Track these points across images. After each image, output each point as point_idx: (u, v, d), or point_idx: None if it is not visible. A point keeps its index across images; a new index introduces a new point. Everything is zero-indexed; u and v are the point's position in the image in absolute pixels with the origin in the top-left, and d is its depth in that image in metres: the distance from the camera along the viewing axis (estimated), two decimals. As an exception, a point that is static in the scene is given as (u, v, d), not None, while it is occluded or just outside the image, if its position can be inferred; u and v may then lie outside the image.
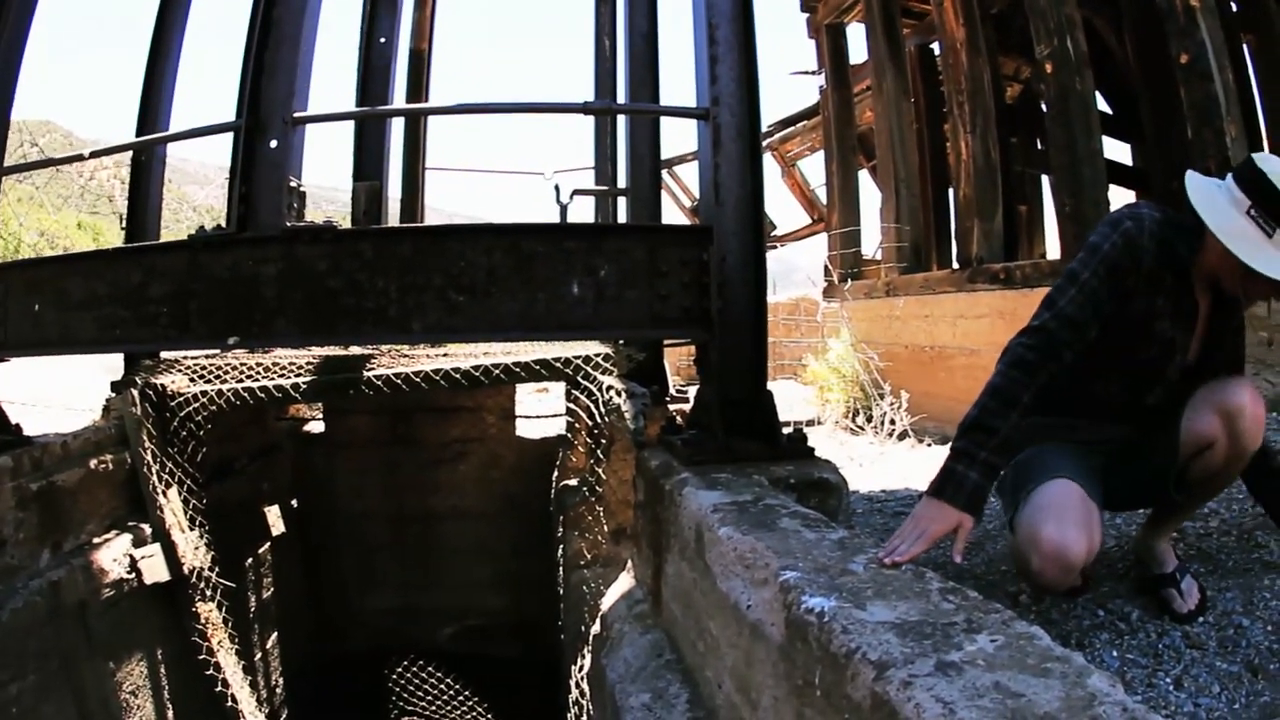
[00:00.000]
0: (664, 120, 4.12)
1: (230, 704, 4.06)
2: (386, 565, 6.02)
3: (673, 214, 16.30)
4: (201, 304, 2.82)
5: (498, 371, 4.35)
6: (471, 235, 2.77)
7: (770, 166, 15.30)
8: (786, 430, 2.79)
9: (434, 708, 5.69)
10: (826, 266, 10.92)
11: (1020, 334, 2.32)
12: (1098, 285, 2.31)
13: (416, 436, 5.94)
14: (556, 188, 5.31)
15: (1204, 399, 2.42)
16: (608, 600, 3.06)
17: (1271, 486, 2.65)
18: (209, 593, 4.03)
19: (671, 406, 3.77)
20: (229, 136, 2.93)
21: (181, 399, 4.10)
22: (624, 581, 3.10)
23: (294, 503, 5.82)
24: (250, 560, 5.07)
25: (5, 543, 3.20)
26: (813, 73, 11.87)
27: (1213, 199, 2.25)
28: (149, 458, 3.93)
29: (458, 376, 4.34)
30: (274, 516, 5.47)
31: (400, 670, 5.79)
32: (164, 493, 3.96)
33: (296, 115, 2.89)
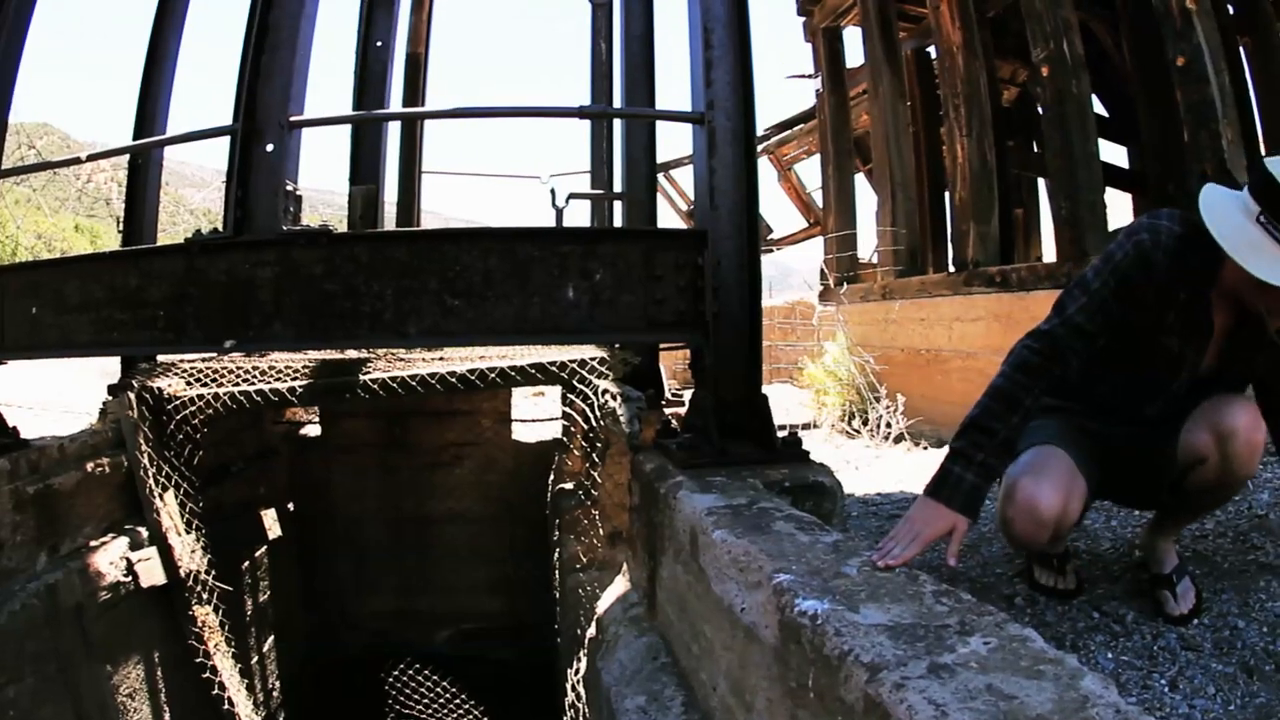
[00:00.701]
0: (660, 124, 4.12)
1: (227, 707, 4.05)
2: (383, 568, 6.01)
3: (669, 217, 16.29)
4: (198, 307, 2.83)
5: (494, 375, 4.34)
6: (467, 239, 2.78)
7: (766, 170, 15.31)
8: (781, 434, 2.79)
9: (430, 711, 5.68)
10: (823, 270, 10.92)
11: (1027, 336, 2.32)
12: (1108, 295, 2.30)
13: (413, 440, 5.94)
14: (552, 191, 5.31)
15: (1203, 415, 2.40)
16: (603, 603, 3.06)
17: None
18: (206, 596, 4.02)
19: (667, 410, 3.78)
20: (227, 140, 2.93)
21: (178, 402, 4.09)
22: (619, 584, 3.11)
23: (290, 506, 5.81)
24: (247, 563, 5.06)
25: (2, 546, 3.19)
26: (809, 76, 11.86)
27: (1225, 209, 2.16)
28: (146, 461, 3.92)
29: (454, 380, 4.34)
30: (270, 520, 5.46)
31: (397, 673, 5.78)
32: (161, 496, 3.95)
33: (293, 119, 2.90)
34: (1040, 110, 7.27)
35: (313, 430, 6.07)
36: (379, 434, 5.95)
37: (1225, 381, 2.48)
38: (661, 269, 2.76)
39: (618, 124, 5.00)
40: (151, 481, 3.93)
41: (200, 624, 4.00)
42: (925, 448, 7.07)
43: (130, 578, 3.78)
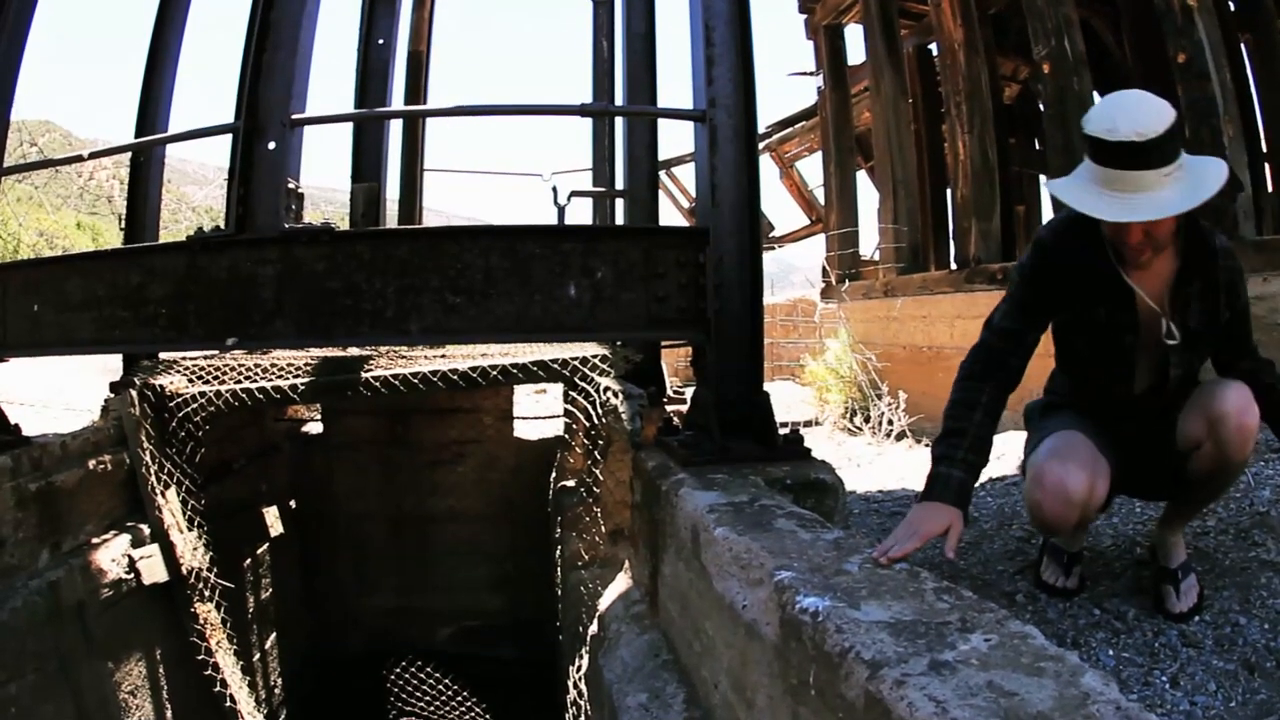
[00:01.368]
0: (662, 121, 4.12)
1: (229, 704, 4.06)
2: (384, 566, 6.01)
3: (670, 215, 16.29)
4: (200, 305, 2.84)
5: (495, 373, 4.34)
6: (469, 237, 2.78)
7: (768, 167, 15.31)
8: (783, 431, 2.80)
9: (432, 708, 5.68)
10: (824, 267, 10.93)
11: (969, 352, 2.46)
12: (1022, 294, 2.47)
13: (414, 438, 5.93)
14: (554, 189, 5.30)
15: (1197, 400, 2.45)
16: (605, 601, 3.06)
17: None
18: (207, 593, 4.02)
19: (669, 407, 3.77)
20: (228, 137, 2.93)
21: (180, 399, 4.09)
22: (621, 582, 3.11)
23: (292, 503, 5.81)
24: (249, 561, 5.07)
25: (4, 543, 3.20)
26: (811, 74, 11.88)
27: (1073, 175, 2.31)
28: (147, 458, 3.92)
29: (455, 378, 4.34)
30: (272, 517, 5.47)
31: (398, 671, 5.78)
32: (162, 493, 3.95)
33: (294, 117, 2.90)
34: (1042, 107, 7.28)
35: (314, 428, 6.06)
36: (381, 431, 5.94)
37: (1206, 342, 2.49)
38: (663, 266, 2.76)
39: (619, 121, 4.99)
40: (153, 479, 3.93)
41: (202, 621, 4.00)
42: (927, 445, 7.05)
43: (132, 575, 3.78)
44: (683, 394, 4.27)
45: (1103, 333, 2.47)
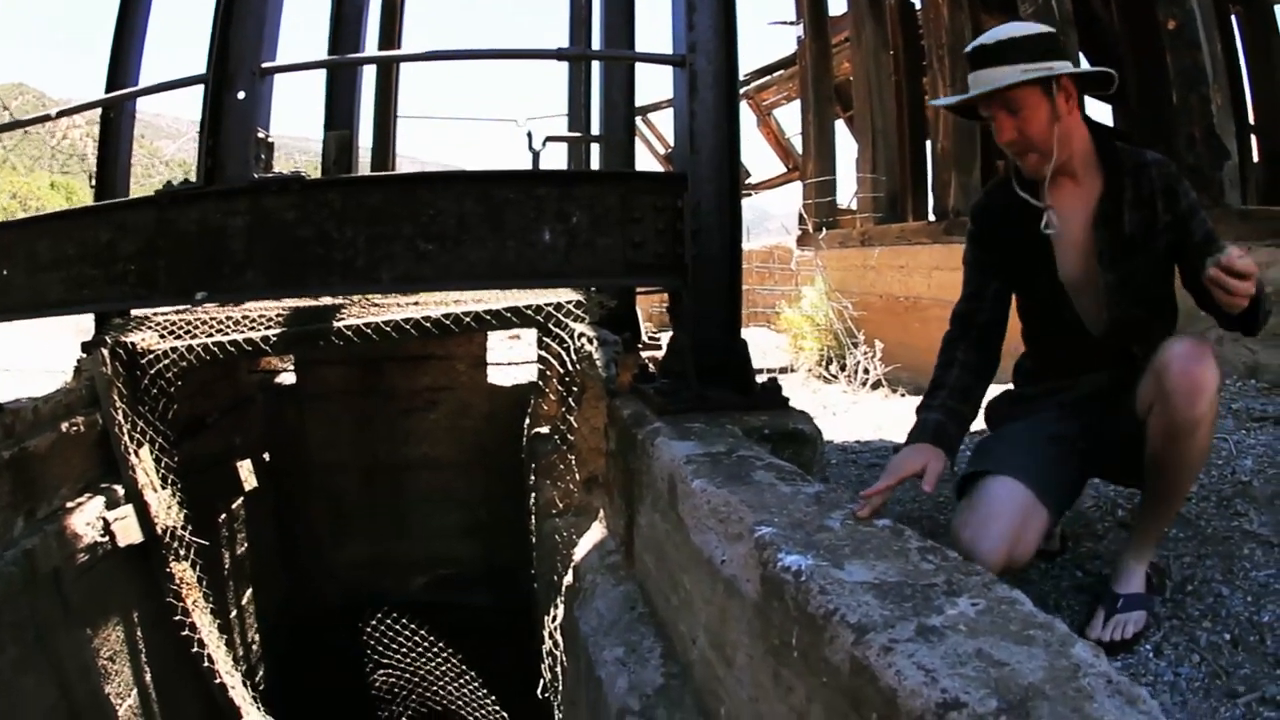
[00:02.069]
0: (639, 67, 4.04)
1: (206, 664, 4.03)
2: (359, 517, 5.98)
3: (647, 161, 16.22)
4: (170, 260, 2.79)
5: (468, 319, 4.30)
6: (442, 183, 2.75)
7: (745, 115, 15.20)
8: (761, 379, 2.77)
9: (409, 659, 5.68)
10: (801, 215, 10.89)
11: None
12: (972, 257, 2.56)
13: (387, 386, 5.88)
14: (529, 135, 5.20)
15: (1150, 362, 2.20)
16: (580, 550, 3.04)
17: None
18: (183, 552, 3.98)
19: (644, 354, 3.74)
20: (203, 90, 2.86)
21: (152, 356, 4.04)
22: (596, 531, 3.09)
23: (266, 456, 5.76)
24: (223, 516, 5.03)
25: (-21, 514, 3.14)
26: (791, 23, 11.80)
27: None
28: (120, 417, 3.86)
29: (428, 325, 4.30)
30: (246, 471, 5.42)
31: (374, 622, 5.77)
32: (136, 452, 3.89)
33: (264, 65, 2.84)
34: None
35: (288, 379, 6.00)
36: (354, 381, 5.89)
37: (1147, 266, 2.34)
38: (640, 212, 2.72)
39: (597, 66, 4.90)
40: (126, 438, 3.88)
41: (178, 581, 3.97)
42: (903, 394, 7.07)
43: (107, 538, 3.73)
44: (658, 340, 4.23)
45: (1034, 276, 2.44)
